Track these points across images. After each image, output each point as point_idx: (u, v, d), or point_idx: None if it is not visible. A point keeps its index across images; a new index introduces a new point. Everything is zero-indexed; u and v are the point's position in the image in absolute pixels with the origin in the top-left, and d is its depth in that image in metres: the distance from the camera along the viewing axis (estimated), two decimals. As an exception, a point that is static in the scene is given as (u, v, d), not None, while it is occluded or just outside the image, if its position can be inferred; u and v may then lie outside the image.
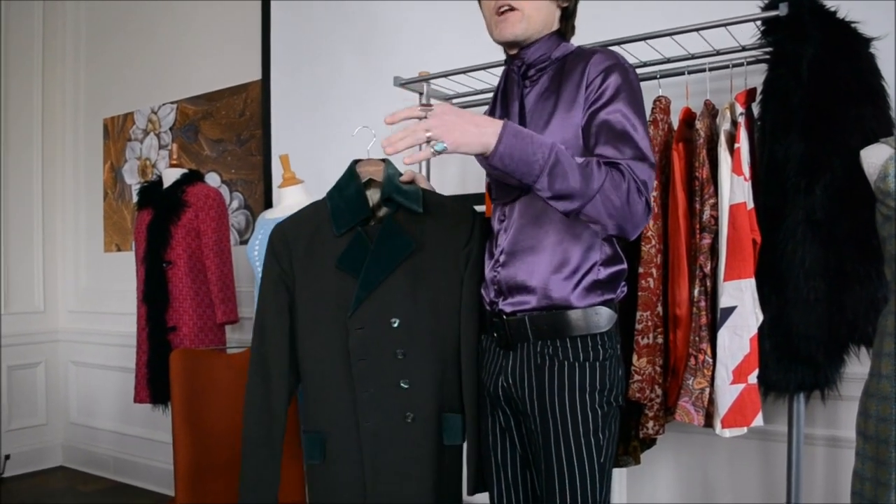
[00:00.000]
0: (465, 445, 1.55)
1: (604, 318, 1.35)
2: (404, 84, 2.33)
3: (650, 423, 1.73)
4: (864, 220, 1.53)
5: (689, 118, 1.78)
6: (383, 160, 1.65)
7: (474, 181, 2.51)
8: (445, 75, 2.22)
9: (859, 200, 1.54)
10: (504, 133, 1.17)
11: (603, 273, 1.35)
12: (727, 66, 1.81)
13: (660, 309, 1.75)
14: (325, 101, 3.01)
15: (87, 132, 4.13)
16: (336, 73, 2.97)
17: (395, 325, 1.50)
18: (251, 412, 1.59)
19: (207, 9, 3.51)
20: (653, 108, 1.78)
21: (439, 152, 1.16)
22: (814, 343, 1.61)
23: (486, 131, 1.17)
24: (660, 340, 1.75)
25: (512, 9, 1.35)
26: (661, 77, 1.89)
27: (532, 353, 1.37)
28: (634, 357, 1.70)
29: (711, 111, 1.77)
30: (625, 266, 1.40)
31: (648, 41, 1.83)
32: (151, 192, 2.84)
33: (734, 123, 1.68)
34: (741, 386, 1.61)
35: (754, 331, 1.61)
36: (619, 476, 2.23)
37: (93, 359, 3.95)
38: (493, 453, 1.47)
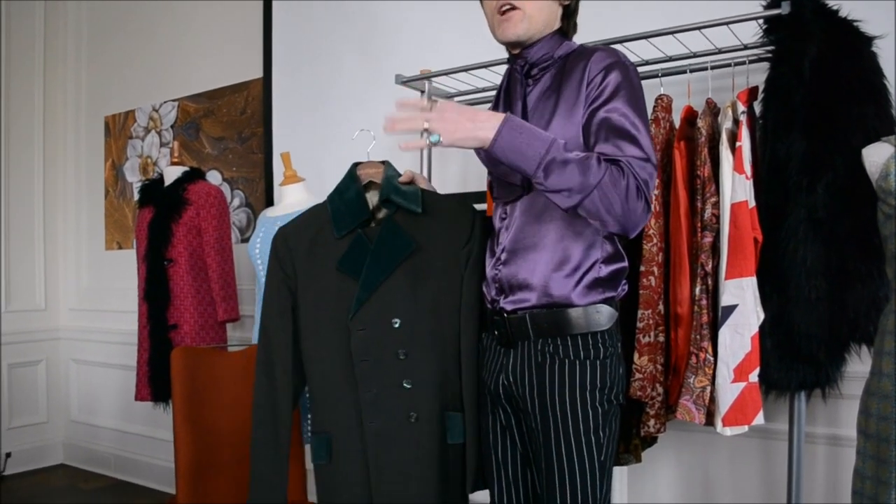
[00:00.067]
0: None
1: (604, 316, 1.35)
2: (406, 82, 2.33)
3: (651, 422, 1.73)
4: (866, 218, 1.53)
5: (690, 116, 1.78)
6: (383, 162, 1.65)
7: (475, 179, 2.51)
8: (447, 73, 2.22)
9: (861, 199, 1.54)
10: (503, 127, 1.19)
11: (604, 271, 1.36)
12: (729, 65, 1.81)
13: (661, 307, 1.75)
14: (325, 100, 3.01)
15: (88, 130, 4.13)
16: (336, 73, 2.98)
17: (397, 325, 1.50)
18: (257, 414, 1.62)
19: (208, 8, 3.51)
20: (654, 107, 1.78)
21: (434, 144, 1.21)
22: (815, 341, 1.61)
23: (484, 125, 1.20)
24: (661, 339, 1.75)
25: (513, 8, 1.35)
26: (663, 75, 1.89)
27: (533, 351, 1.37)
28: (636, 355, 1.70)
29: (713, 109, 1.76)
30: (626, 264, 1.40)
31: (650, 39, 1.83)
32: (153, 189, 2.84)
33: (736, 122, 1.68)
34: (742, 384, 1.61)
35: (755, 329, 1.61)
36: (620, 474, 2.23)
37: (94, 357, 3.96)
38: (494, 451, 1.47)
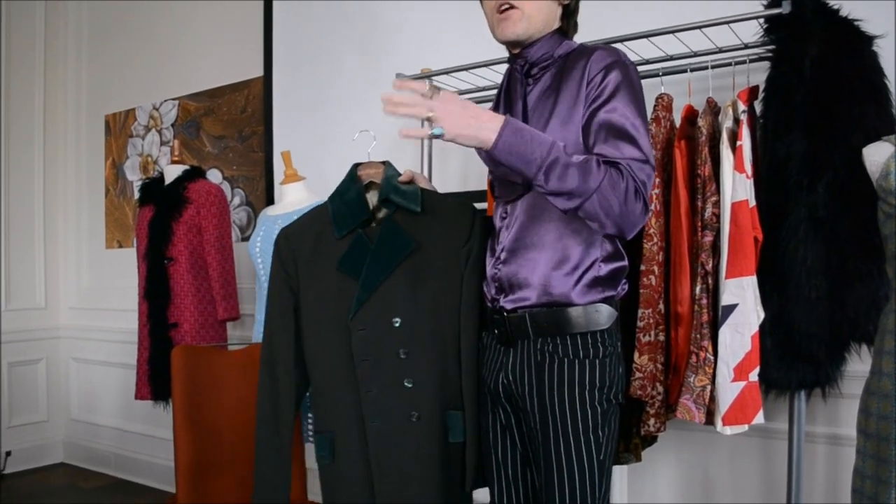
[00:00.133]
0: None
1: (604, 315, 1.35)
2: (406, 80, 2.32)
3: (651, 421, 1.73)
4: (866, 218, 1.53)
5: (691, 116, 1.78)
6: (383, 162, 1.66)
7: (476, 178, 2.51)
8: (447, 72, 2.22)
9: (861, 198, 1.54)
10: (504, 130, 1.18)
11: (604, 270, 1.36)
12: (730, 64, 1.81)
13: (661, 306, 1.75)
14: (325, 99, 3.01)
15: (88, 129, 4.13)
16: (336, 73, 2.98)
17: (397, 324, 1.50)
18: (261, 414, 1.62)
19: (208, 8, 3.51)
20: (655, 106, 1.78)
21: (436, 136, 1.18)
22: (815, 341, 1.61)
23: (486, 126, 1.19)
24: (661, 338, 1.75)
25: (512, 7, 1.35)
26: (664, 74, 1.89)
27: (532, 350, 1.37)
28: (636, 354, 1.70)
29: (714, 109, 1.77)
30: (625, 263, 1.40)
31: (651, 38, 1.83)
32: (153, 188, 2.84)
33: (736, 121, 1.68)
34: (742, 383, 1.61)
35: (755, 328, 1.61)
36: (621, 473, 2.23)
37: (94, 355, 3.96)
38: (494, 450, 1.47)
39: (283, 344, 1.60)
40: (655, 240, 1.73)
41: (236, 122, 3.38)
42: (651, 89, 1.69)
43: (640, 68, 1.83)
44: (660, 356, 1.75)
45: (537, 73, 1.42)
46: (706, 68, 1.82)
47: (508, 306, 1.39)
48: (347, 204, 1.59)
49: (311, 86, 3.06)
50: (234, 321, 2.87)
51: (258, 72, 3.24)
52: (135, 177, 3.87)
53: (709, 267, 1.68)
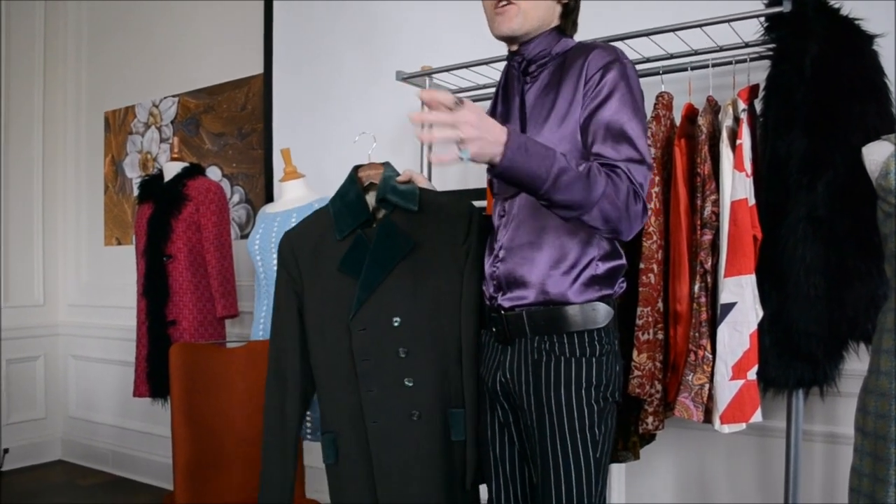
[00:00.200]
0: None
1: (601, 313, 1.35)
2: (406, 78, 2.33)
3: (650, 419, 1.73)
4: (866, 217, 1.53)
5: (691, 114, 1.78)
6: (383, 164, 1.66)
7: (476, 177, 2.51)
8: (448, 70, 2.22)
9: (861, 197, 1.54)
10: (507, 147, 1.12)
11: (601, 268, 1.35)
12: (730, 63, 1.81)
13: (660, 305, 1.75)
14: (325, 98, 3.01)
15: (88, 126, 4.13)
16: (337, 72, 2.98)
17: (397, 324, 1.50)
18: (268, 414, 1.63)
19: (208, 8, 3.51)
20: (655, 104, 1.78)
21: (463, 159, 1.10)
22: (813, 339, 1.61)
23: (495, 141, 1.12)
24: (660, 336, 1.75)
25: (510, 3, 1.35)
26: (664, 73, 1.89)
27: (529, 348, 1.37)
28: (635, 353, 1.71)
29: (714, 107, 1.77)
30: (623, 261, 1.40)
31: (651, 37, 1.83)
32: (152, 185, 2.84)
33: (736, 120, 1.68)
34: (740, 382, 1.61)
35: (754, 327, 1.61)
36: (619, 471, 2.24)
37: (92, 353, 3.96)
38: (492, 448, 1.47)
39: (290, 347, 1.61)
40: (655, 238, 1.73)
41: (236, 119, 3.38)
42: (651, 87, 1.69)
43: (640, 66, 1.84)
44: (658, 354, 1.75)
45: (535, 70, 1.42)
46: (707, 67, 1.83)
47: (506, 304, 1.39)
48: (347, 205, 1.60)
49: (311, 84, 3.06)
50: (233, 318, 2.87)
51: (258, 69, 3.24)
52: (134, 174, 3.86)
53: (708, 265, 1.68)
